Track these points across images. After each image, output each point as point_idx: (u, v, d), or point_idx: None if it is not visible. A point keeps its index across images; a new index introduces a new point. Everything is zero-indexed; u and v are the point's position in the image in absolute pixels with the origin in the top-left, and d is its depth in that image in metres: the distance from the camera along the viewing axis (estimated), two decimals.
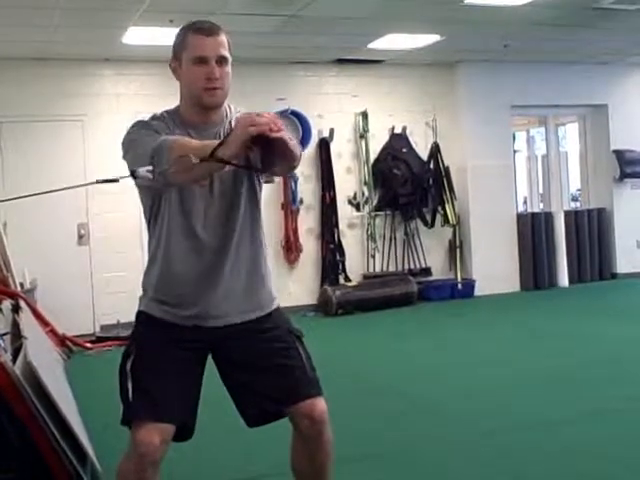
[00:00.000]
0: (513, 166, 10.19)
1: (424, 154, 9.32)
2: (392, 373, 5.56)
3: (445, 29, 7.69)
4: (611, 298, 9.03)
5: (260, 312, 2.42)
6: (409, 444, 3.90)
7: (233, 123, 2.32)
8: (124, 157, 2.29)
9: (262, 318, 2.42)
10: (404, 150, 9.14)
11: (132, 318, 6.91)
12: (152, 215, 2.39)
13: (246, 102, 9.77)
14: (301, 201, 8.78)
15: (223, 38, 2.30)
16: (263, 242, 2.45)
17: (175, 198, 2.31)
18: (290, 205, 8.64)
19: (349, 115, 9.06)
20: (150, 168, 2.02)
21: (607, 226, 10.20)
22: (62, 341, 6.88)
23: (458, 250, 9.39)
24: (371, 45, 8.17)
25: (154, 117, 2.37)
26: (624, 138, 10.17)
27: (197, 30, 2.29)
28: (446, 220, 9.30)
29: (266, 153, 1.92)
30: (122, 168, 7.51)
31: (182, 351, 2.33)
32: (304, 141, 8.79)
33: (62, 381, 4.85)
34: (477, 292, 9.29)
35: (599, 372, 5.25)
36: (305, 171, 8.70)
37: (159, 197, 2.34)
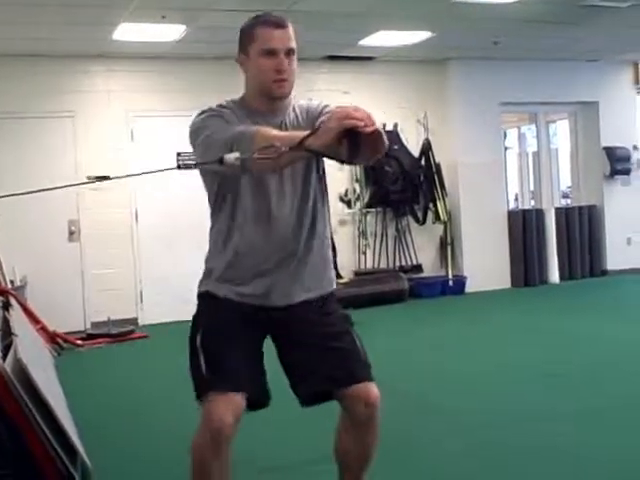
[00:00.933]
0: (504, 163, 10.22)
1: (415, 151, 9.33)
2: (384, 370, 5.55)
3: (436, 26, 7.69)
4: (601, 295, 9.06)
5: (321, 292, 2.49)
6: (404, 440, 3.91)
7: (298, 112, 2.44)
8: (193, 143, 2.34)
9: (322, 299, 2.49)
10: (395, 147, 9.14)
11: (123, 315, 6.95)
12: (219, 200, 2.45)
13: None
14: None
15: (290, 30, 2.37)
16: (327, 226, 2.52)
17: (247, 183, 2.36)
18: None
19: None
20: (237, 155, 2.06)
21: (598, 223, 10.24)
22: (52, 338, 6.86)
23: (449, 247, 9.41)
24: (362, 42, 8.17)
25: (222, 106, 2.42)
26: (614, 135, 10.21)
27: (266, 23, 2.35)
28: (437, 217, 9.31)
29: (353, 144, 1.96)
30: (113, 164, 7.48)
31: (247, 328, 2.39)
32: None
33: (52, 378, 4.84)
34: (468, 289, 9.31)
35: (589, 369, 5.28)
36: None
37: (227, 183, 2.38)
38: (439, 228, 9.44)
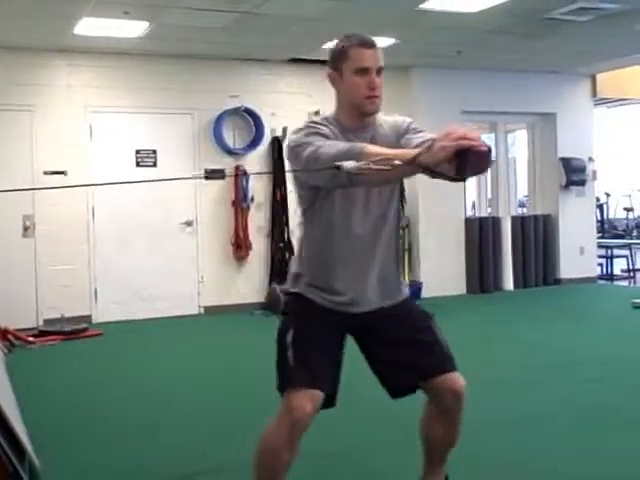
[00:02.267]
0: None
1: None
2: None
3: (400, 33, 7.75)
4: (553, 303, 9.21)
5: (399, 298, 2.68)
6: (360, 443, 3.93)
7: (385, 127, 2.59)
8: (295, 158, 2.46)
9: (401, 303, 2.68)
10: None
11: (77, 312, 6.89)
12: (310, 212, 2.62)
13: (199, 99, 9.71)
14: (252, 199, 8.76)
15: (380, 50, 2.55)
16: (399, 241, 2.74)
17: (338, 199, 2.52)
18: (241, 203, 8.62)
19: (302, 114, 9.03)
20: (355, 163, 2.15)
21: (552, 232, 10.41)
22: (3, 335, 6.75)
23: (406, 253, 9.47)
24: (326, 46, 8.18)
25: (318, 122, 2.55)
26: (571, 146, 10.39)
27: (360, 43, 2.51)
28: None
29: (462, 162, 2.08)
30: (71, 160, 7.41)
31: (333, 331, 2.58)
32: (256, 139, 8.79)
33: (1, 376, 4.77)
34: (424, 294, 9.37)
35: (536, 375, 5.36)
36: (257, 169, 8.69)
37: (322, 197, 2.54)
38: None
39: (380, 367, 2.67)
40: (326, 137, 2.45)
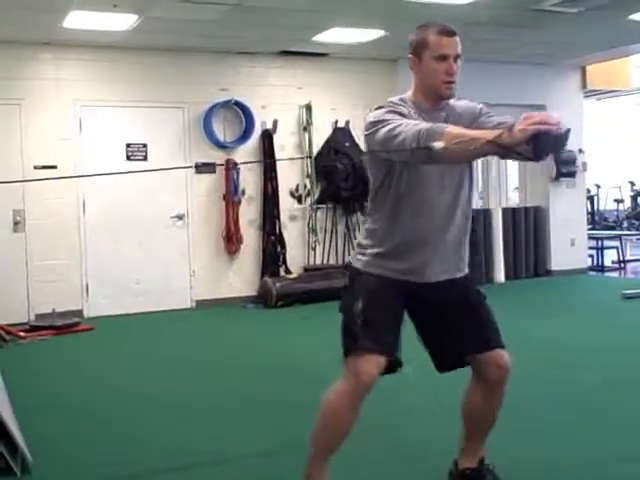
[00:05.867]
0: None
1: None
2: (332, 363, 5.58)
3: (389, 24, 7.74)
4: (544, 294, 9.25)
5: (461, 273, 2.85)
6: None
7: (459, 110, 2.75)
8: (373, 134, 2.59)
9: (463, 278, 2.86)
10: (347, 144, 9.17)
11: (68, 307, 6.85)
12: (383, 187, 2.71)
13: (189, 91, 9.65)
14: (243, 192, 8.75)
15: (458, 38, 2.70)
16: (471, 217, 2.86)
17: (413, 174, 2.64)
18: (232, 196, 8.61)
19: (293, 107, 9.06)
20: (443, 144, 2.32)
21: (543, 224, 10.44)
22: None
23: None
24: (316, 38, 8.18)
25: (396, 103, 2.70)
26: None
27: (440, 31, 2.67)
28: None
29: (539, 144, 2.22)
30: (61, 154, 7.38)
31: (397, 301, 2.73)
32: (247, 132, 8.78)
33: None
34: None
35: (526, 365, 5.37)
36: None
37: (396, 171, 2.65)
38: None
39: (434, 338, 2.82)
40: (404, 116, 2.60)
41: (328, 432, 2.73)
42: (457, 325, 2.78)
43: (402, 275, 2.72)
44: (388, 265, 2.72)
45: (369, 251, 2.77)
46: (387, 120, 2.56)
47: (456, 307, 2.79)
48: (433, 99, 2.72)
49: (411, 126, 2.48)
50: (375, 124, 2.59)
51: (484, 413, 2.86)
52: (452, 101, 2.78)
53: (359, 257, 2.82)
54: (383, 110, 2.65)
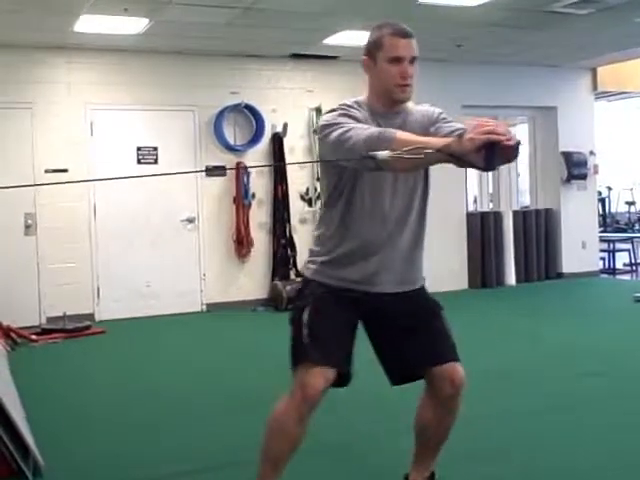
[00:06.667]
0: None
1: None
2: None
3: None
4: (555, 298, 9.19)
5: (415, 286, 2.73)
6: (352, 437, 3.93)
7: (416, 115, 2.64)
8: (324, 138, 2.52)
9: (418, 290, 2.74)
10: None
11: (80, 310, 6.89)
12: (335, 194, 2.63)
13: (200, 94, 9.67)
14: (253, 196, 8.76)
15: (414, 40, 2.60)
16: (425, 226, 2.74)
17: (364, 181, 2.56)
18: (242, 199, 8.61)
19: (303, 110, 9.06)
20: (389, 152, 2.23)
21: (554, 226, 10.40)
22: (6, 333, 6.75)
23: None
24: (326, 41, 8.18)
25: (350, 106, 2.60)
26: (572, 140, 10.38)
27: (395, 32, 2.58)
28: None
29: (490, 154, 2.16)
30: (72, 158, 7.37)
31: (348, 312, 2.62)
32: (257, 136, 8.78)
33: (5, 373, 4.77)
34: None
35: (538, 369, 5.36)
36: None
37: (347, 178, 2.58)
38: None
39: (387, 351, 2.71)
40: (357, 120, 2.51)
41: (276, 445, 2.60)
42: (411, 338, 2.65)
43: (353, 285, 2.63)
44: (339, 274, 2.63)
45: (319, 259, 2.68)
46: (339, 124, 2.48)
47: (410, 319, 2.67)
48: (388, 103, 2.62)
49: (361, 131, 2.40)
50: (326, 127, 2.51)
51: (436, 429, 2.72)
52: (410, 105, 2.68)
53: (309, 265, 2.72)
54: (335, 113, 2.56)
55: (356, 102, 2.64)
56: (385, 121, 2.57)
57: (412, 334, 2.65)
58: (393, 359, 2.71)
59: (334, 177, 2.62)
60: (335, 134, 2.45)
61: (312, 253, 2.73)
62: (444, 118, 2.64)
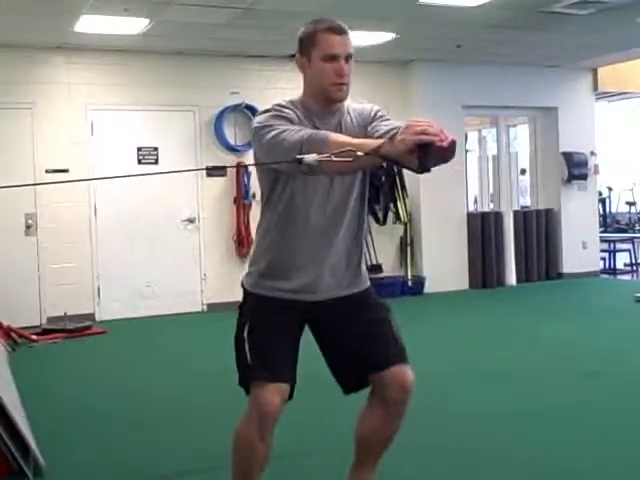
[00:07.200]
0: (464, 166, 10.31)
1: None
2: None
3: (400, 27, 7.74)
4: (556, 298, 9.20)
5: (357, 289, 2.63)
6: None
7: (353, 115, 2.54)
8: (258, 141, 2.43)
9: (360, 293, 2.64)
10: None
11: (80, 310, 6.89)
12: (271, 198, 2.53)
13: (200, 95, 9.66)
14: (254, 196, 8.74)
15: (349, 36, 2.49)
16: (365, 229, 2.66)
17: (299, 184, 2.46)
18: (242, 199, 8.61)
19: None
20: (316, 156, 2.13)
21: (554, 226, 10.40)
22: (7, 333, 6.76)
23: (409, 247, 9.47)
24: None
25: (283, 106, 2.49)
26: (572, 141, 10.38)
27: (328, 29, 2.47)
28: (398, 218, 9.37)
29: (425, 155, 2.07)
30: (72, 158, 7.37)
31: (289, 322, 2.54)
32: None
33: (5, 373, 4.78)
34: (427, 289, 9.39)
35: (539, 369, 5.36)
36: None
37: (283, 182, 2.48)
38: (399, 229, 9.49)
39: (334, 358, 2.62)
40: (290, 121, 2.41)
41: (243, 463, 2.55)
42: (357, 343, 2.55)
43: (294, 295, 2.52)
44: (276, 285, 2.53)
45: (256, 269, 2.58)
46: (272, 126, 2.37)
47: (354, 324, 2.57)
48: (324, 102, 2.50)
49: (293, 133, 2.31)
50: (259, 130, 2.41)
51: (380, 436, 2.60)
52: (347, 104, 2.57)
53: (247, 278, 2.63)
54: (268, 114, 2.44)
55: (291, 102, 2.53)
56: (321, 121, 2.49)
57: (358, 339, 2.55)
58: (342, 366, 2.61)
59: (270, 181, 2.52)
60: (267, 137, 2.36)
61: (250, 262, 2.64)
62: (381, 116, 2.52)
